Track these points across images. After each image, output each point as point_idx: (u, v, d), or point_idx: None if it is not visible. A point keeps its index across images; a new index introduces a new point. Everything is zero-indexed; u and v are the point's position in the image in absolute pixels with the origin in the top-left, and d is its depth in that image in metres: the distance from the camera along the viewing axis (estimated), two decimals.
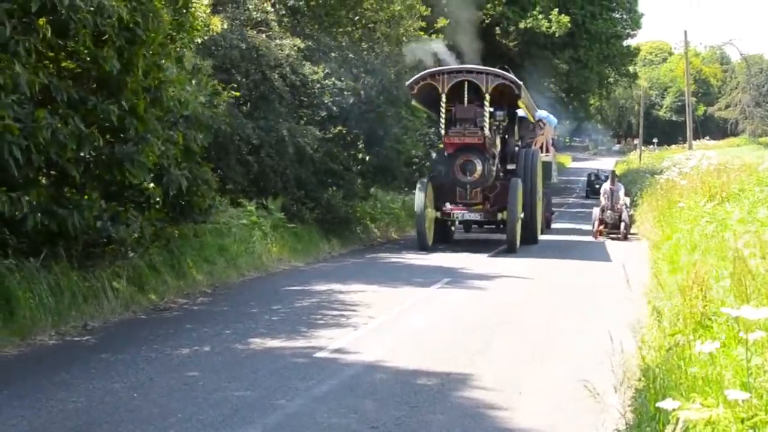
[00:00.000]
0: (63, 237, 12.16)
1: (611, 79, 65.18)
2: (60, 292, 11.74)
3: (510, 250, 22.66)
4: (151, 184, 14.09)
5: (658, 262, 16.05)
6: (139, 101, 12.77)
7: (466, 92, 22.91)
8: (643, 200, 31.01)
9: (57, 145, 11.19)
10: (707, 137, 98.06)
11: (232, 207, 19.09)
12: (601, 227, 27.82)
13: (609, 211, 27.72)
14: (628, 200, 28.60)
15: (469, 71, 23.36)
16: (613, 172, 31.88)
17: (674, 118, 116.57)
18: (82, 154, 12.04)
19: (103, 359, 9.85)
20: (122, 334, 11.42)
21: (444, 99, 22.73)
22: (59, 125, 11.16)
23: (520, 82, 23.35)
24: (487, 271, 18.75)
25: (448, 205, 23.83)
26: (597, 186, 37.66)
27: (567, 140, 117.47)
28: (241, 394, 8.44)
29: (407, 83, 23.83)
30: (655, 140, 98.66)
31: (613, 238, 26.94)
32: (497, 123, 24.05)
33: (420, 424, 7.58)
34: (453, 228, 26.33)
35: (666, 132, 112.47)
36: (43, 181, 12.41)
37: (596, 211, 28.36)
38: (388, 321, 12.56)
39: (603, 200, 28.11)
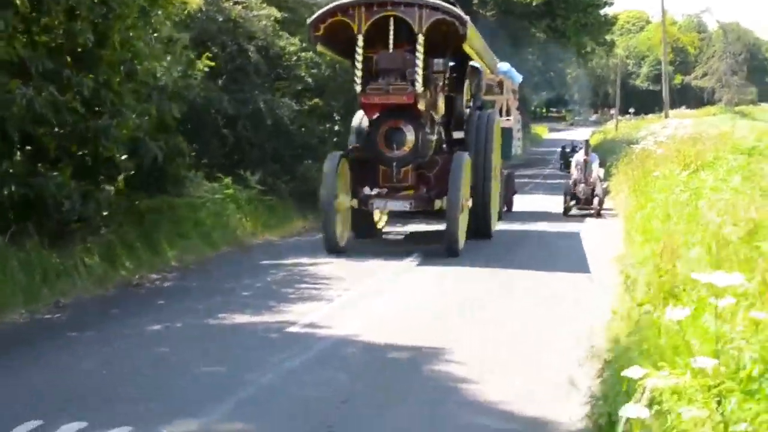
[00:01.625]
0: (36, 210, 12.10)
1: (588, 49, 65.23)
2: (31, 269, 11.65)
3: (450, 251, 16.21)
4: (124, 157, 14.07)
5: (630, 233, 16.05)
6: (114, 75, 12.71)
7: (391, 32, 16.25)
8: (619, 170, 30.48)
9: (33, 115, 11.14)
10: (684, 106, 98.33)
11: (208, 181, 18.97)
12: (573, 203, 25.05)
13: (582, 185, 24.85)
14: (602, 172, 26.52)
15: (395, 2, 16.30)
16: (586, 141, 28.68)
17: (651, 88, 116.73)
18: (57, 128, 12.00)
19: (74, 337, 9.82)
20: (94, 311, 11.37)
21: (361, 42, 16.20)
22: (34, 95, 11.10)
23: (467, 18, 16.57)
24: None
25: (366, 190, 17.21)
26: (571, 159, 31.13)
27: (544, 111, 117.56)
28: (213, 369, 8.43)
29: (309, 21, 17.25)
30: (631, 110, 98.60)
31: (585, 215, 24.48)
32: (437, 76, 17.33)
33: (392, 397, 7.60)
34: (383, 219, 20.00)
35: (643, 101, 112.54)
36: (19, 155, 12.37)
37: (567, 185, 25.58)
38: (360, 295, 12.54)
39: (575, 173, 25.43)
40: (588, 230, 21.14)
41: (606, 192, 26.16)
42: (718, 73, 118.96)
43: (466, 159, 17.03)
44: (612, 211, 24.61)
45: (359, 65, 16.22)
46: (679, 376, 4.71)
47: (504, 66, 25.70)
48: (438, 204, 16.75)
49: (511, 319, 11.04)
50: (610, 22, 63.88)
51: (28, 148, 12.58)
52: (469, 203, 17.51)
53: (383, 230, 20.21)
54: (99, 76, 12.50)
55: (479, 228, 18.42)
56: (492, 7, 50.36)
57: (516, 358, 9.01)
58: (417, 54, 15.99)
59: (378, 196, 17.12)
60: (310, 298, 12.09)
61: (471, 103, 20.31)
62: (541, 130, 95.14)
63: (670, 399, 4.87)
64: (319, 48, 18.32)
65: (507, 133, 23.96)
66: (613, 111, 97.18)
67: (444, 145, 18.38)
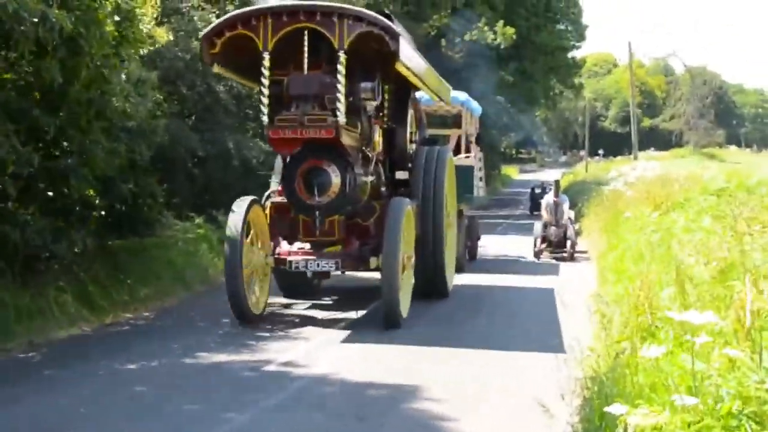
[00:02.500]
0: (5, 248, 12.03)
1: (557, 91, 65.86)
2: (4, 308, 11.58)
3: (389, 322, 12.80)
4: (96, 199, 14.05)
5: (603, 272, 16.11)
6: (81, 113, 12.68)
7: (306, 49, 12.68)
8: (589, 211, 30.46)
9: None
10: (652, 148, 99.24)
11: (179, 220, 18.95)
12: (544, 246, 23.90)
13: (553, 227, 23.96)
14: (572, 214, 25.65)
15: (311, 12, 12.76)
16: (556, 182, 27.02)
17: (619, 130, 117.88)
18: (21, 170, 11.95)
19: (49, 375, 9.75)
20: (69, 350, 11.30)
21: (267, 62, 12.74)
22: (2, 138, 11.08)
23: (399, 31, 12.95)
24: None
25: (284, 246, 14.16)
26: (541, 200, 28.76)
27: (513, 152, 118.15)
28: (190, 407, 8.39)
29: (203, 33, 14.01)
30: (600, 151, 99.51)
31: (557, 258, 23.36)
32: (368, 104, 13.75)
33: None
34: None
35: (611, 143, 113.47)
36: None
37: (538, 228, 24.19)
38: (338, 333, 12.48)
39: (546, 215, 24.46)
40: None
41: (578, 233, 25.44)
42: (686, 115, 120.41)
43: (404, 206, 13.40)
44: (585, 254, 23.66)
45: (265, 90, 12.82)
46: (658, 413, 4.75)
47: (461, 95, 22.07)
48: (374, 262, 13.33)
49: (485, 353, 11.03)
50: (577, 65, 64.69)
51: None
52: (413, 261, 14.12)
53: (320, 286, 16.94)
54: (66, 113, 12.48)
55: (433, 285, 15.43)
56: (460, 50, 50.70)
57: (495, 392, 9.07)
58: (338, 76, 12.61)
59: (297, 253, 13.94)
60: (286, 337, 12.09)
61: (416, 137, 16.99)
62: (512, 171, 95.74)
63: None
64: (216, 69, 14.16)
65: (466, 172, 20.76)
66: (582, 152, 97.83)
67: (384, 188, 15.26)
